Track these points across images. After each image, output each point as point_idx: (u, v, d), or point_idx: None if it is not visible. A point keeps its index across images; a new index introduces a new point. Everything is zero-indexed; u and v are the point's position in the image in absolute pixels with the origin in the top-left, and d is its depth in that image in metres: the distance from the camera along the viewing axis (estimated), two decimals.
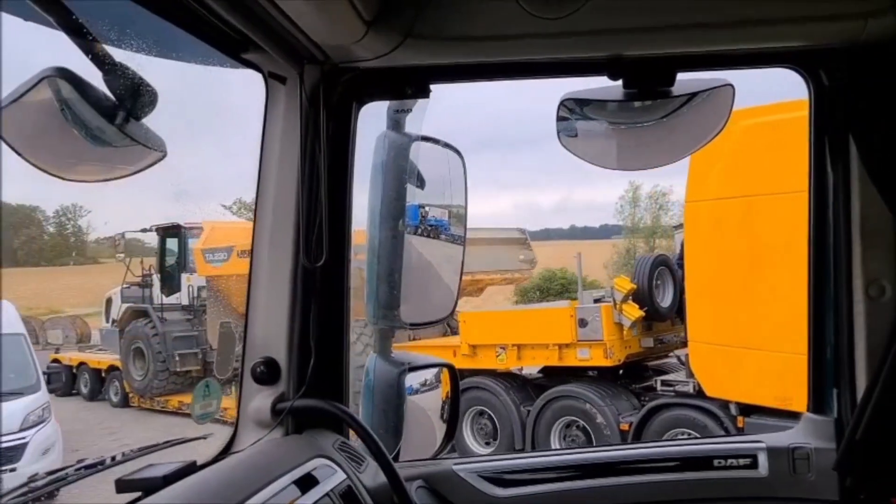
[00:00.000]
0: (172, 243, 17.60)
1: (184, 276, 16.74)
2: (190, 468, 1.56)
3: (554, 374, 11.58)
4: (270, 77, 1.90)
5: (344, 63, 1.89)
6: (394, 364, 2.21)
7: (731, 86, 2.00)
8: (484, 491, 2.18)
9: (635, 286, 10.47)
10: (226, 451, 1.89)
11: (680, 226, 17.87)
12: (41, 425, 9.26)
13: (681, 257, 10.70)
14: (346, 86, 1.96)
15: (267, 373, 1.90)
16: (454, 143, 2.30)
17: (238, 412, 1.94)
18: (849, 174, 2.04)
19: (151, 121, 1.59)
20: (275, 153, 1.93)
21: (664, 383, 10.34)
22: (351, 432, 2.04)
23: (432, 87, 2.05)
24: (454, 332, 14.91)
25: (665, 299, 10.95)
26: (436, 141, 2.25)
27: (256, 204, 1.96)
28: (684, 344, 11.15)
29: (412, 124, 2.20)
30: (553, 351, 10.90)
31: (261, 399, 1.89)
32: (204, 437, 1.88)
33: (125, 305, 18.14)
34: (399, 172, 2.16)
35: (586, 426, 10.37)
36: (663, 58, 1.94)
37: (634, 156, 2.26)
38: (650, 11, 1.78)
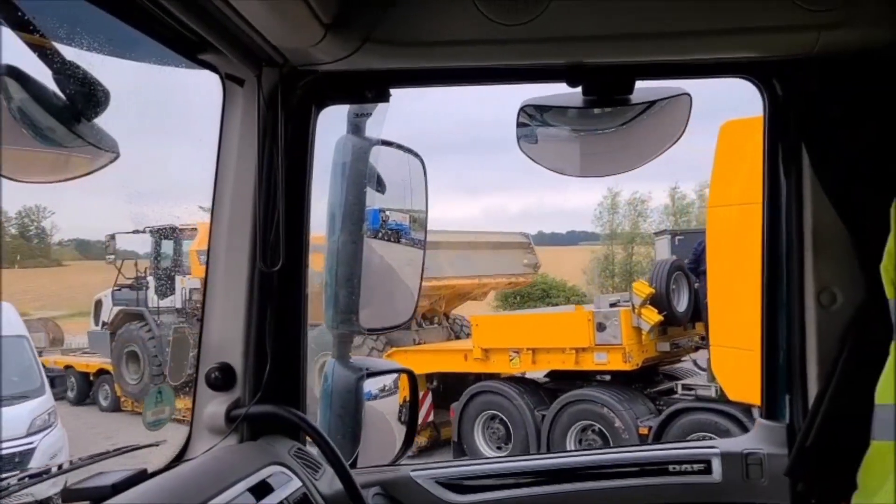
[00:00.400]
0: (167, 245, 17.29)
1: (177, 279, 16.47)
2: (140, 476, 1.53)
3: (560, 378, 11.62)
4: (227, 79, 1.87)
5: (302, 66, 1.88)
6: (352, 369, 2.20)
7: (689, 95, 2.02)
8: (441, 497, 2.17)
9: (654, 290, 10.52)
10: (178, 459, 1.85)
11: (661, 232, 18.04)
12: (48, 430, 8.95)
13: (693, 262, 10.79)
14: (304, 89, 1.94)
15: (222, 378, 1.87)
16: (415, 148, 2.30)
17: (192, 419, 1.90)
18: (801, 183, 2.07)
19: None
20: (232, 156, 1.90)
21: (685, 387, 10.42)
22: (308, 438, 2.02)
23: (392, 91, 2.05)
24: (457, 336, 15.01)
25: (681, 304, 11.02)
26: (396, 145, 2.24)
27: (213, 207, 1.93)
28: (698, 348, 11.30)
29: (373, 128, 2.19)
30: (569, 355, 10.91)
31: (215, 405, 1.86)
32: (156, 444, 1.84)
33: (117, 308, 17.73)
34: (359, 177, 2.15)
35: (603, 430, 10.39)
36: (622, 66, 1.96)
37: (593, 163, 2.28)
38: (609, 19, 1.80)
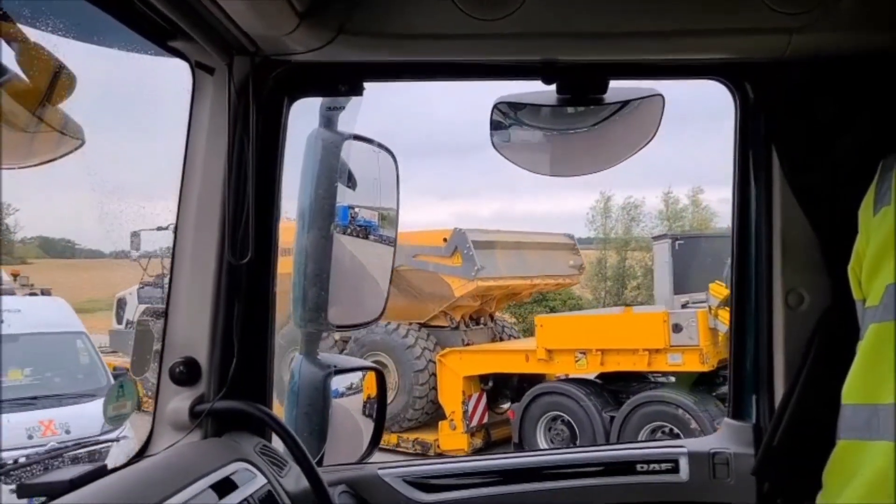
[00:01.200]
0: None
1: None
2: (100, 471, 1.48)
3: (614, 380, 11.65)
4: (198, 67, 1.83)
5: (275, 55, 1.85)
6: (320, 366, 2.17)
7: (662, 96, 2.04)
8: (408, 496, 2.15)
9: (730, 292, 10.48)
10: (140, 454, 1.81)
11: (661, 236, 18.12)
12: (122, 429, 8.62)
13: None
14: (276, 79, 1.91)
15: (186, 373, 1.82)
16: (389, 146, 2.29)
17: (154, 414, 1.86)
18: (771, 186, 2.09)
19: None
20: (201, 146, 1.86)
21: None
22: (274, 435, 1.98)
23: (366, 85, 2.02)
24: (500, 337, 14.94)
25: None
26: (369, 141, 2.22)
27: (181, 197, 1.89)
28: None
29: (346, 123, 2.17)
30: (642, 356, 10.88)
31: (179, 400, 1.82)
32: (117, 440, 1.79)
33: (143, 307, 17.29)
34: (330, 171, 2.13)
35: (677, 431, 10.35)
36: (596, 64, 1.97)
37: (566, 162, 2.28)
38: (584, 18, 1.80)
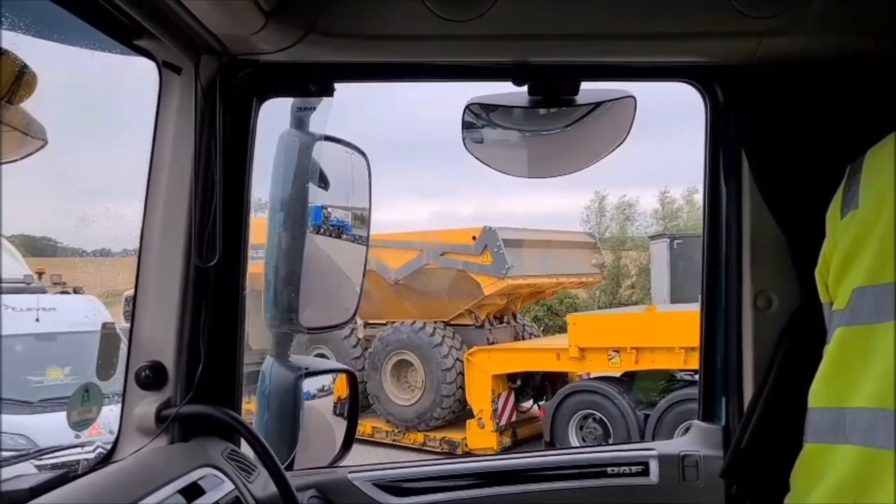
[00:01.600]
0: None
1: None
2: (62, 478, 1.46)
3: (641, 379, 11.54)
4: (164, 66, 1.80)
5: (242, 55, 1.82)
6: (291, 368, 2.15)
7: (633, 98, 2.04)
8: (378, 500, 2.13)
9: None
10: (105, 461, 1.78)
11: (658, 235, 17.95)
12: None
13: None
14: (245, 79, 1.88)
15: (152, 377, 1.80)
16: (361, 146, 2.27)
17: (120, 419, 1.83)
18: (741, 188, 2.10)
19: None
20: (167, 147, 1.84)
21: None
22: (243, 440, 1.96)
23: (337, 85, 2.01)
24: (521, 336, 14.72)
25: None
26: (340, 141, 2.20)
27: (147, 198, 1.86)
28: None
29: (317, 124, 2.15)
30: (678, 354, 10.77)
31: (145, 405, 1.79)
32: (81, 446, 1.76)
33: None
34: (301, 172, 2.11)
35: None
36: (567, 66, 1.96)
37: (538, 163, 2.28)
38: (555, 19, 1.80)
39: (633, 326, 11.80)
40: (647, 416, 11.08)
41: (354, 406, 2.39)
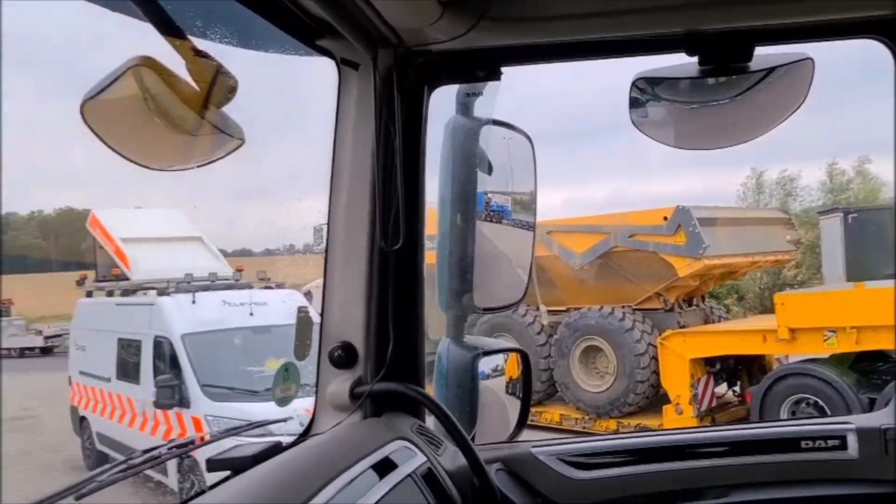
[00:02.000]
0: None
1: None
2: (276, 448, 1.60)
3: (857, 361, 10.91)
4: (343, 64, 1.91)
5: (417, 46, 1.89)
6: (467, 348, 2.21)
7: (811, 59, 1.93)
8: (563, 473, 2.16)
9: None
10: (306, 434, 1.91)
11: (829, 210, 16.76)
12: None
13: None
14: (418, 70, 1.95)
15: (344, 357, 1.91)
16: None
17: (316, 396, 1.96)
18: None
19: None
20: (348, 139, 1.94)
21: None
22: (427, 416, 2.05)
23: (504, 69, 2.04)
24: (710, 319, 14.23)
25: None
26: (506, 125, 2.23)
27: (331, 190, 1.98)
28: None
29: (482, 108, 2.19)
30: None
31: (338, 383, 1.91)
32: (284, 420, 1.91)
33: None
34: (469, 157, 2.16)
35: None
36: (740, 31, 1.89)
37: (708, 135, 2.21)
38: None
39: (848, 304, 10.82)
40: (872, 399, 10.19)
41: (528, 385, 2.43)
